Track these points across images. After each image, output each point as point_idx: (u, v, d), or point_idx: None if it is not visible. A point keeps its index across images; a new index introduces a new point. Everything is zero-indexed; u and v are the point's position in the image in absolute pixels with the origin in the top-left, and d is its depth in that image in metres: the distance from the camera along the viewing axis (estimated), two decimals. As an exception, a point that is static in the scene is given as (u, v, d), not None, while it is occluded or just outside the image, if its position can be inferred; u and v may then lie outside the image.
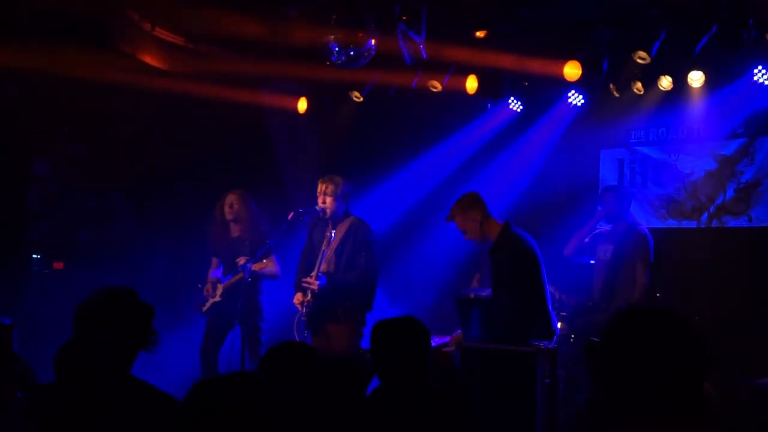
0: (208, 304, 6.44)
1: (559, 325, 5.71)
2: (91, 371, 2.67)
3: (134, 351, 2.81)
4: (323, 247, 5.70)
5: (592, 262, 6.33)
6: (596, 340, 2.22)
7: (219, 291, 6.40)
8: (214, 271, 6.58)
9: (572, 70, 6.49)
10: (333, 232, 5.68)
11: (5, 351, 4.18)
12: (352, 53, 5.57)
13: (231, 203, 6.48)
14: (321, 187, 5.70)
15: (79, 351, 2.70)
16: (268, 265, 6.31)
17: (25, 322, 5.40)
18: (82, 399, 2.63)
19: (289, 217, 5.73)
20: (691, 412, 2.10)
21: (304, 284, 5.64)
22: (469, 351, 4.86)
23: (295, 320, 5.77)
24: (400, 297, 7.37)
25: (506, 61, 6.79)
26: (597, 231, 6.32)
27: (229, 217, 6.49)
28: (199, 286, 6.51)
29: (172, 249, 7.68)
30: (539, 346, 4.71)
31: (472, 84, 7.02)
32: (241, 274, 5.99)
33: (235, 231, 6.52)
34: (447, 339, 5.29)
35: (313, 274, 5.61)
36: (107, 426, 2.57)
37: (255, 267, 5.99)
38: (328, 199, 5.66)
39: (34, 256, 7.22)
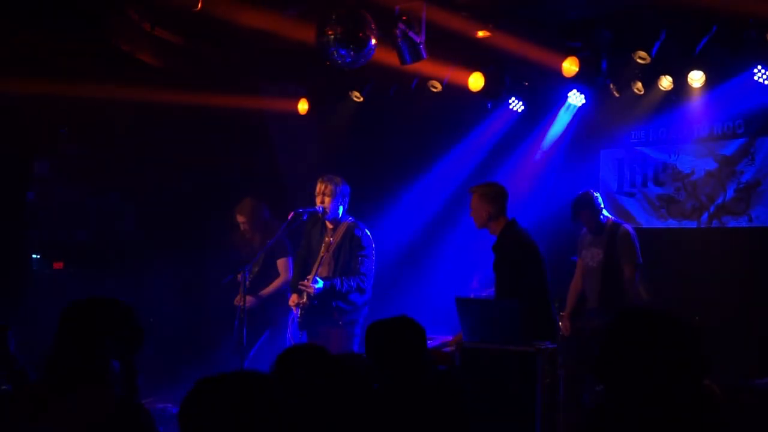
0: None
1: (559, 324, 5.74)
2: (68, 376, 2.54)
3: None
4: (321, 252, 5.70)
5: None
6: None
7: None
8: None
9: (571, 66, 6.49)
10: (332, 238, 5.69)
11: (1, 352, 4.19)
12: (352, 53, 5.56)
13: (242, 222, 6.58)
14: (320, 187, 5.71)
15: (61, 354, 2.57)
16: (273, 284, 6.44)
17: (24, 323, 5.41)
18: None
19: (289, 217, 5.74)
20: (691, 412, 2.10)
21: (300, 287, 5.65)
22: (469, 351, 4.86)
23: (290, 321, 5.78)
24: (400, 297, 7.36)
25: (506, 60, 6.79)
26: (582, 234, 6.37)
27: (244, 231, 6.59)
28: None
29: (172, 249, 7.68)
30: (540, 346, 4.71)
31: (477, 82, 6.99)
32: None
33: (255, 239, 6.55)
34: (448, 337, 5.30)
35: (310, 277, 5.62)
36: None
37: (263, 292, 6.36)
38: (327, 200, 5.67)
39: (34, 256, 7.23)
